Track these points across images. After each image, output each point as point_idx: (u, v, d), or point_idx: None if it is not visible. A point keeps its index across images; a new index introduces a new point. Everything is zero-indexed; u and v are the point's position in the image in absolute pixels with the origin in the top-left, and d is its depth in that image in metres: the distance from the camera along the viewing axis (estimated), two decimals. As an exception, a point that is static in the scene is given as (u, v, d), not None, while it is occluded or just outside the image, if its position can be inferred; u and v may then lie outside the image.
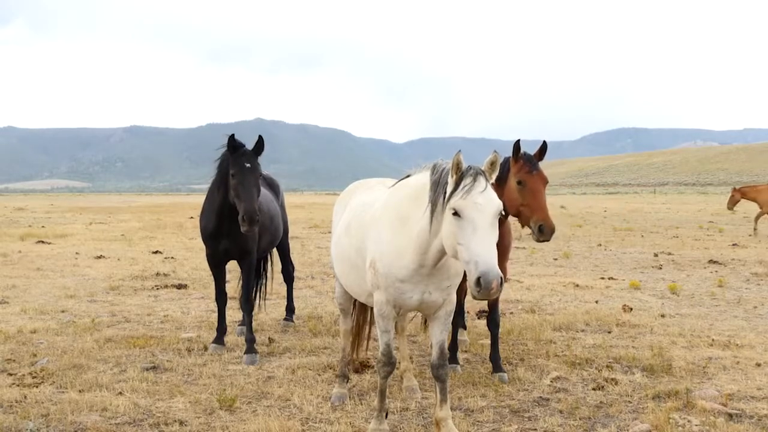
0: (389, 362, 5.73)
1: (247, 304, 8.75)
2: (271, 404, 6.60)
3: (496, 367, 7.66)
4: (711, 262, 17.70)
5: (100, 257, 19.30)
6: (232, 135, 7.96)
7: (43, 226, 31.73)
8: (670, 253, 19.97)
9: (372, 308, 6.63)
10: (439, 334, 5.62)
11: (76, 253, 20.72)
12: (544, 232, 6.90)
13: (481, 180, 4.77)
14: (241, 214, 7.73)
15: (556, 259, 19.05)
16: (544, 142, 7.40)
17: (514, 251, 20.89)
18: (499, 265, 4.55)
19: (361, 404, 6.59)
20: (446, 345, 5.64)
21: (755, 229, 26.43)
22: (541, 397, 6.82)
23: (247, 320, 8.60)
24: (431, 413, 6.31)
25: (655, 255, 19.58)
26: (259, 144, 8.07)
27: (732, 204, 28.55)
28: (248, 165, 7.89)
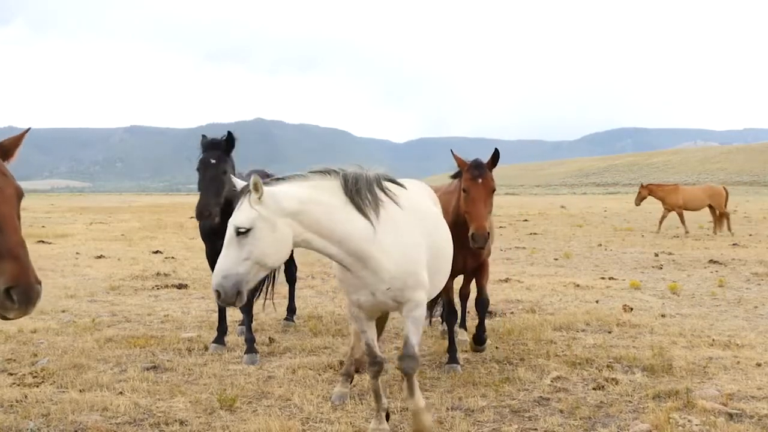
0: (374, 361, 5.73)
1: (246, 304, 8.70)
2: (271, 404, 6.60)
3: (478, 340, 8.46)
4: (711, 262, 17.69)
5: (100, 257, 19.30)
6: (203, 136, 8.06)
7: (43, 226, 31.74)
8: (670, 253, 19.97)
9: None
10: (408, 329, 5.61)
11: (77, 252, 20.73)
12: (476, 240, 7.21)
13: (242, 198, 4.91)
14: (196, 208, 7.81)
15: (556, 259, 19.05)
16: (496, 149, 7.60)
17: (513, 251, 20.93)
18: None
19: (362, 404, 6.59)
20: (414, 341, 5.55)
21: (658, 231, 27.06)
22: (541, 396, 6.82)
23: (246, 320, 8.60)
24: (432, 413, 6.32)
25: (656, 255, 19.58)
26: (228, 140, 8.02)
27: (639, 200, 29.10)
28: (212, 161, 7.90)
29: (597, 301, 12.03)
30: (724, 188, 28.20)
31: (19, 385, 7.20)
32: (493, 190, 7.46)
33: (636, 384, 7.15)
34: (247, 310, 8.66)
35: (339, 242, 5.12)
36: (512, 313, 11.10)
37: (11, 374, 7.64)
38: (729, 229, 26.79)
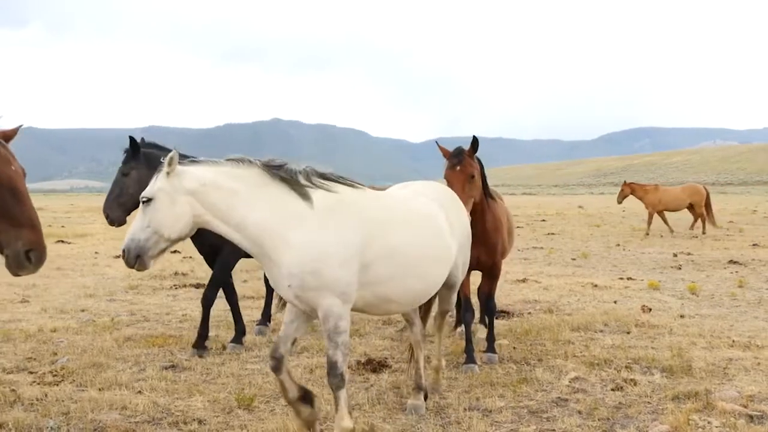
0: (272, 356, 5.57)
1: (205, 299, 8.79)
2: (288, 404, 6.60)
3: (489, 347, 8.35)
4: (731, 262, 17.56)
5: (119, 257, 19.32)
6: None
7: (62, 226, 31.99)
8: (689, 253, 19.83)
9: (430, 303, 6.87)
10: (326, 345, 5.37)
11: (96, 252, 20.88)
12: None
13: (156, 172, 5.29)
14: None
15: (574, 259, 18.97)
16: (474, 137, 7.67)
17: (531, 251, 20.84)
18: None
19: (379, 404, 6.59)
20: (333, 358, 5.23)
21: (647, 234, 26.86)
22: (559, 397, 6.79)
23: (203, 314, 8.73)
24: (449, 413, 6.32)
25: (675, 255, 19.45)
26: (131, 143, 8.11)
27: (621, 198, 29.01)
28: (121, 165, 8.19)
29: (615, 302, 11.97)
30: (705, 188, 28.10)
31: (39, 383, 7.26)
32: (472, 176, 7.48)
33: (655, 385, 7.11)
34: (206, 304, 8.76)
35: (237, 228, 5.19)
36: (530, 313, 11.06)
37: (31, 373, 7.71)
38: (713, 224, 26.85)
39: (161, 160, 5.26)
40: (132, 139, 8.10)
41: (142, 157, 8.02)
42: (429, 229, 5.82)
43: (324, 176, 5.48)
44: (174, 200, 5.10)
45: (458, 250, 6.29)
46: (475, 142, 7.64)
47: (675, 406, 6.33)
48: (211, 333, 9.48)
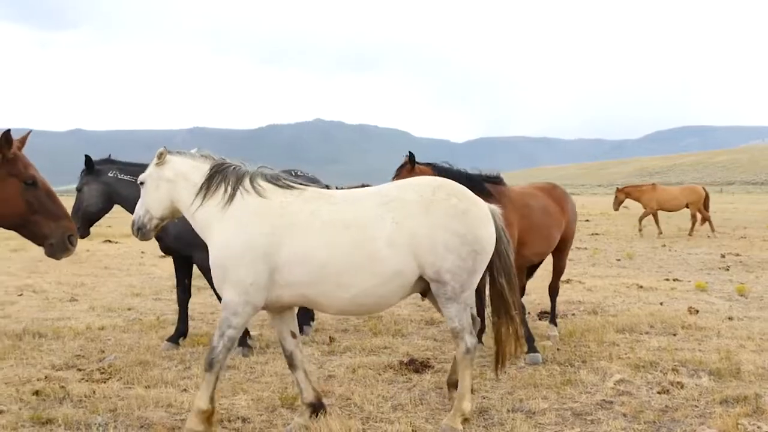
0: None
1: (180, 296, 9.22)
2: (331, 403, 6.63)
3: (529, 347, 8.19)
4: (781, 263, 17.19)
5: (164, 256, 19.64)
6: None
7: (109, 226, 32.50)
8: (737, 254, 19.45)
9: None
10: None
11: (142, 252, 21.20)
12: None
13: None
14: None
15: (618, 260, 18.73)
16: (410, 152, 8.60)
17: (575, 252, 20.63)
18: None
19: (422, 404, 6.58)
20: (213, 342, 5.63)
21: (640, 230, 26.92)
22: (604, 399, 6.71)
23: (180, 310, 9.15)
24: (492, 414, 6.28)
25: (722, 256, 19.10)
26: (86, 162, 8.71)
27: (617, 204, 28.73)
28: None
29: (661, 303, 11.79)
30: (704, 188, 27.75)
31: (87, 380, 7.40)
32: None
33: (702, 388, 6.98)
34: (181, 301, 9.20)
35: (191, 219, 5.92)
36: (573, 314, 10.95)
37: (80, 370, 7.87)
38: (690, 232, 26.61)
39: (109, 174, 7.68)
40: (87, 158, 8.72)
41: (94, 173, 8.66)
42: (349, 238, 5.52)
43: (273, 178, 5.86)
44: (158, 185, 5.96)
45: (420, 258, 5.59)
46: (411, 156, 8.52)
47: (723, 410, 6.23)
48: (255, 332, 9.58)
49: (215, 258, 5.62)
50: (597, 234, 27.69)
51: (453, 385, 6.33)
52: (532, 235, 8.53)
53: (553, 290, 9.53)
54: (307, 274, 5.49)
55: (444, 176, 8.00)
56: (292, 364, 6.08)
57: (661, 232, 26.68)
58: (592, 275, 15.58)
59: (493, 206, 6.07)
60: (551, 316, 9.51)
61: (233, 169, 5.85)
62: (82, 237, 8.42)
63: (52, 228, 5.68)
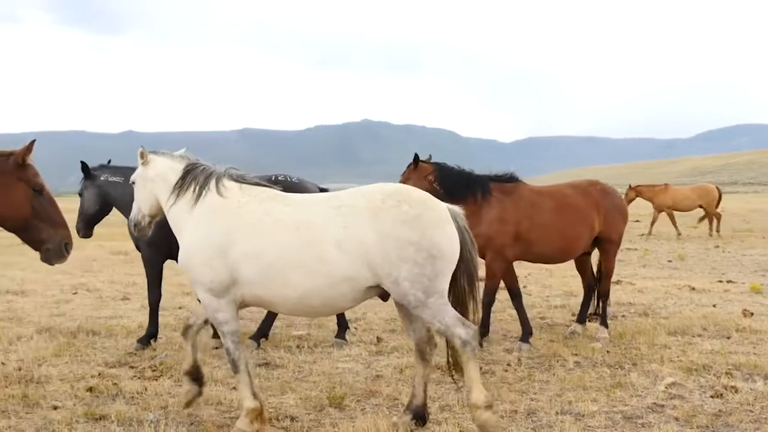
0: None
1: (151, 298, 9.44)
2: (379, 403, 6.65)
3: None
4: (840, 265, 16.73)
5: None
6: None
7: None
8: (794, 256, 18.99)
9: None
10: None
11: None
12: None
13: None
14: None
15: (670, 261, 18.43)
16: (415, 154, 9.07)
17: (625, 252, 20.34)
18: None
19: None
20: (225, 345, 5.91)
21: (650, 233, 26.68)
22: (655, 403, 6.60)
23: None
24: (540, 416, 6.23)
25: (778, 257, 18.66)
26: (82, 168, 9.22)
27: (627, 202, 27.99)
28: None
29: (714, 305, 11.55)
30: (717, 188, 27.24)
31: (139, 378, 7.54)
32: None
33: (758, 393, 6.82)
34: (151, 302, 9.40)
35: (167, 218, 6.11)
36: (624, 316, 10.80)
37: (132, 367, 8.01)
38: (717, 230, 26.11)
39: (101, 178, 8.84)
40: (83, 164, 9.19)
41: (91, 177, 9.17)
42: (298, 238, 5.53)
43: (238, 179, 6.03)
44: (144, 185, 6.23)
45: (372, 263, 5.45)
46: (416, 157, 9.05)
47: (779, 415, 6.08)
48: (303, 332, 9.65)
49: (181, 257, 5.88)
50: (647, 234, 27.25)
51: (413, 411, 6.04)
52: (539, 233, 8.77)
53: (603, 292, 9.45)
54: (258, 273, 5.57)
55: (444, 175, 8.77)
56: (185, 334, 6.30)
57: (679, 234, 26.45)
58: (643, 276, 15.36)
59: (455, 208, 5.87)
60: (602, 318, 9.40)
61: (203, 170, 6.06)
62: (84, 237, 9.28)
63: (50, 234, 6.13)
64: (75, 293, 13.41)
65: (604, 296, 9.46)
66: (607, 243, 9.24)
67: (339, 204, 5.60)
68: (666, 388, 7.01)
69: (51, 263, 6.19)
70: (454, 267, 5.66)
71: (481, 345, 8.60)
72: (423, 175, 8.82)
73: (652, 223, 27.58)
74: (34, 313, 11.36)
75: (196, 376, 6.28)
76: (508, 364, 8.02)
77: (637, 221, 35.26)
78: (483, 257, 8.67)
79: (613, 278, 14.44)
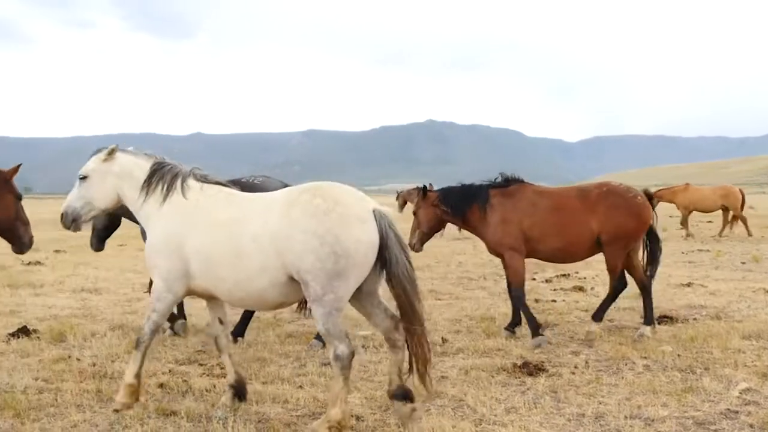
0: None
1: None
2: (444, 404, 6.64)
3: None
4: None
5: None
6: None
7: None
8: None
9: None
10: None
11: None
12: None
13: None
14: None
15: (744, 263, 17.90)
16: (424, 186, 10.34)
17: (696, 254, 19.84)
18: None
19: (536, 408, 6.48)
20: (143, 325, 6.39)
21: (688, 234, 26.13)
22: (728, 409, 6.42)
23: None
24: (608, 420, 6.13)
25: None
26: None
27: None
28: None
29: (791, 309, 11.19)
30: (741, 190, 26.38)
31: (208, 375, 7.69)
32: (414, 213, 10.08)
33: (837, 400, 6.58)
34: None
35: (135, 213, 6.46)
36: (695, 319, 10.54)
37: (201, 365, 8.18)
38: (747, 232, 25.55)
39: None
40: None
41: None
42: (226, 233, 5.93)
43: (201, 178, 6.37)
44: (104, 179, 6.42)
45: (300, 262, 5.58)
46: (424, 188, 10.13)
47: None
48: (369, 332, 9.67)
49: (147, 249, 6.26)
50: (687, 235, 26.50)
51: (393, 395, 6.13)
52: (541, 231, 9.30)
53: (642, 288, 9.61)
54: (201, 266, 6.00)
55: (446, 196, 9.70)
56: (218, 347, 6.64)
57: (690, 234, 26.10)
58: (715, 278, 14.96)
59: (383, 210, 5.81)
60: (597, 311, 9.63)
61: (170, 169, 6.38)
62: (97, 251, 10.18)
63: (23, 231, 7.51)
64: (146, 292, 13.70)
65: (645, 292, 9.53)
66: (611, 242, 9.24)
67: (271, 201, 5.97)
68: (740, 393, 6.82)
69: (22, 253, 7.66)
70: (362, 271, 5.70)
71: (513, 332, 9.55)
72: (430, 202, 9.83)
73: (682, 222, 27.17)
74: (107, 310, 11.70)
75: (239, 389, 6.54)
76: (575, 367, 7.91)
77: (710, 222, 34.38)
78: (501, 257, 9.57)
79: (684, 280, 14.13)
